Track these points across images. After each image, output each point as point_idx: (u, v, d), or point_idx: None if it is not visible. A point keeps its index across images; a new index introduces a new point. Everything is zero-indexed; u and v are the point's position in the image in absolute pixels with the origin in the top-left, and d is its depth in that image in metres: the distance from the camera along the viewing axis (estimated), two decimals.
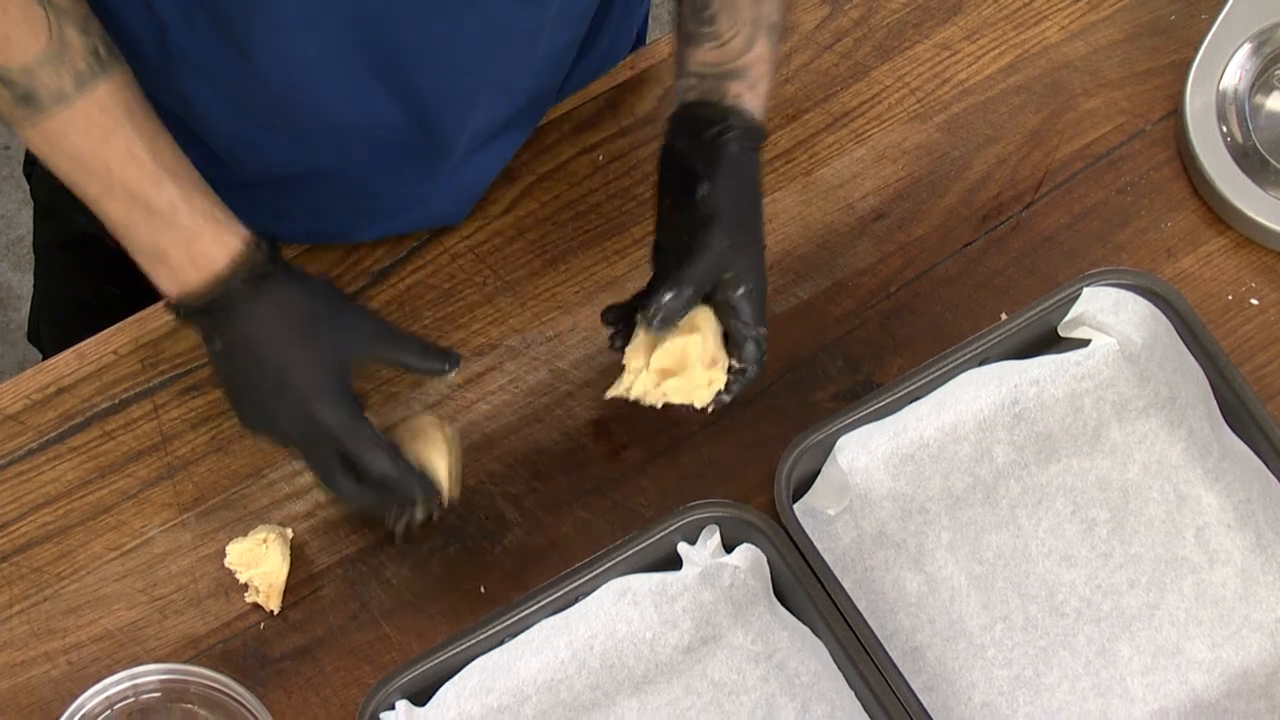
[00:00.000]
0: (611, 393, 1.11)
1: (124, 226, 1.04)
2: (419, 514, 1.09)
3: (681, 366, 1.10)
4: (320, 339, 1.06)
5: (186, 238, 1.04)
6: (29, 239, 1.98)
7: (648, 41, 1.34)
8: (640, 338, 1.10)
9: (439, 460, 1.09)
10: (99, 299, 1.29)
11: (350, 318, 1.09)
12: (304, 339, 1.05)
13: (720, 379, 1.10)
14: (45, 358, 1.23)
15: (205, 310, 1.05)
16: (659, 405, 1.11)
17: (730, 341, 1.10)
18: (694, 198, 1.09)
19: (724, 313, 1.10)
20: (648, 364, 1.09)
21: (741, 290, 1.09)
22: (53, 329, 1.39)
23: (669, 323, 1.08)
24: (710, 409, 1.11)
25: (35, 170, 1.33)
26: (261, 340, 1.05)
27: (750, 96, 1.11)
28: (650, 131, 1.26)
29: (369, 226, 1.22)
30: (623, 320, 1.13)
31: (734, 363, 1.10)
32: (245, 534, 1.15)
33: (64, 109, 1.01)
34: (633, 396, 1.10)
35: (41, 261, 1.39)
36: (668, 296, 1.07)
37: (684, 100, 1.12)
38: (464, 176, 1.20)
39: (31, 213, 1.39)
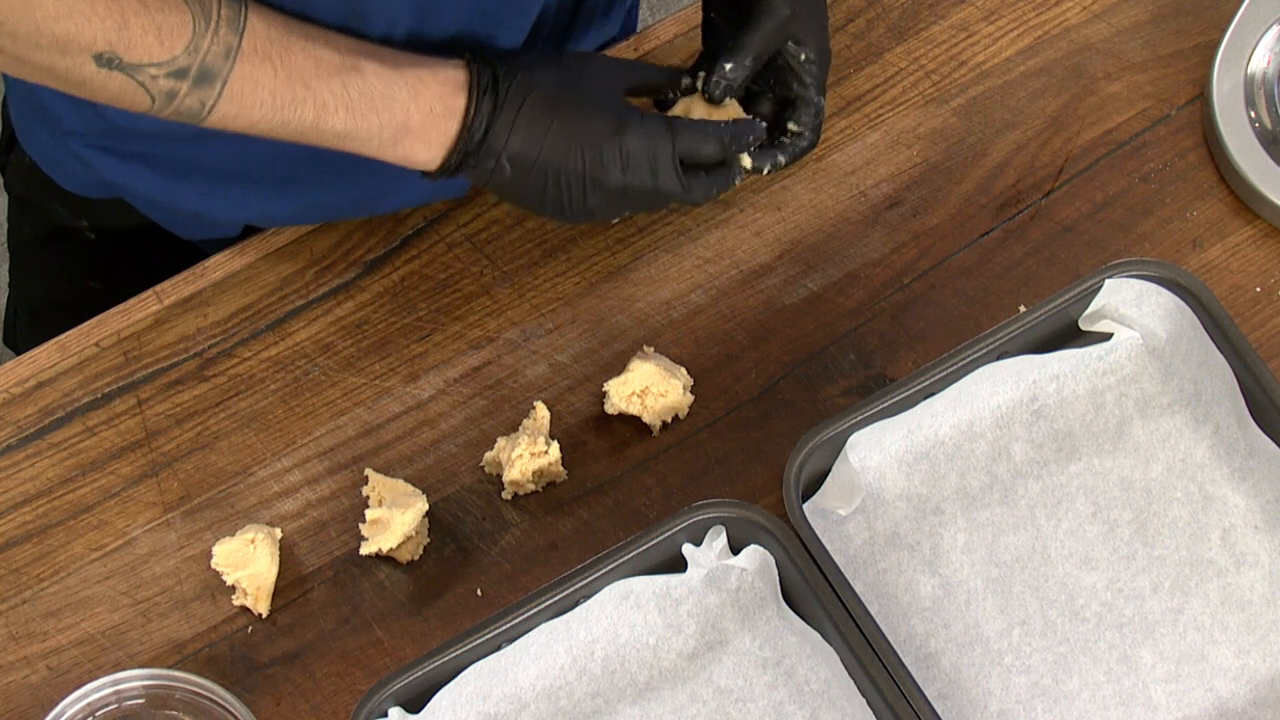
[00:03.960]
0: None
1: (354, 132, 1.05)
2: (745, 163, 1.12)
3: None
4: (589, 89, 1.08)
5: (415, 97, 1.05)
6: (2, 234, 1.96)
7: (638, 27, 1.34)
8: (683, 106, 1.13)
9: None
10: (77, 294, 1.29)
11: (593, 62, 1.11)
12: (576, 97, 1.07)
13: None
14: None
15: (474, 148, 1.06)
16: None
17: (790, 106, 1.13)
18: None
19: (785, 76, 1.12)
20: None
21: (804, 56, 1.11)
22: (30, 327, 1.39)
23: (729, 94, 1.11)
24: (766, 170, 1.13)
25: (9, 161, 1.32)
26: (544, 125, 1.06)
27: None
28: None
29: (391, 191, 1.20)
30: (662, 99, 1.15)
31: (792, 126, 1.13)
32: (233, 534, 1.15)
33: (239, 62, 1.01)
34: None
35: (16, 257, 1.38)
36: (729, 66, 1.10)
37: None
38: None
39: (5, 207, 1.37)
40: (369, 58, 1.05)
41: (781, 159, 1.13)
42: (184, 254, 1.23)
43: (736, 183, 1.12)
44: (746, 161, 1.12)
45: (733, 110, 1.13)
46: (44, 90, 1.09)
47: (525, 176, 1.08)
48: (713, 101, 1.11)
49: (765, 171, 1.14)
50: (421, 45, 1.08)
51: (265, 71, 1.02)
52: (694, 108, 1.13)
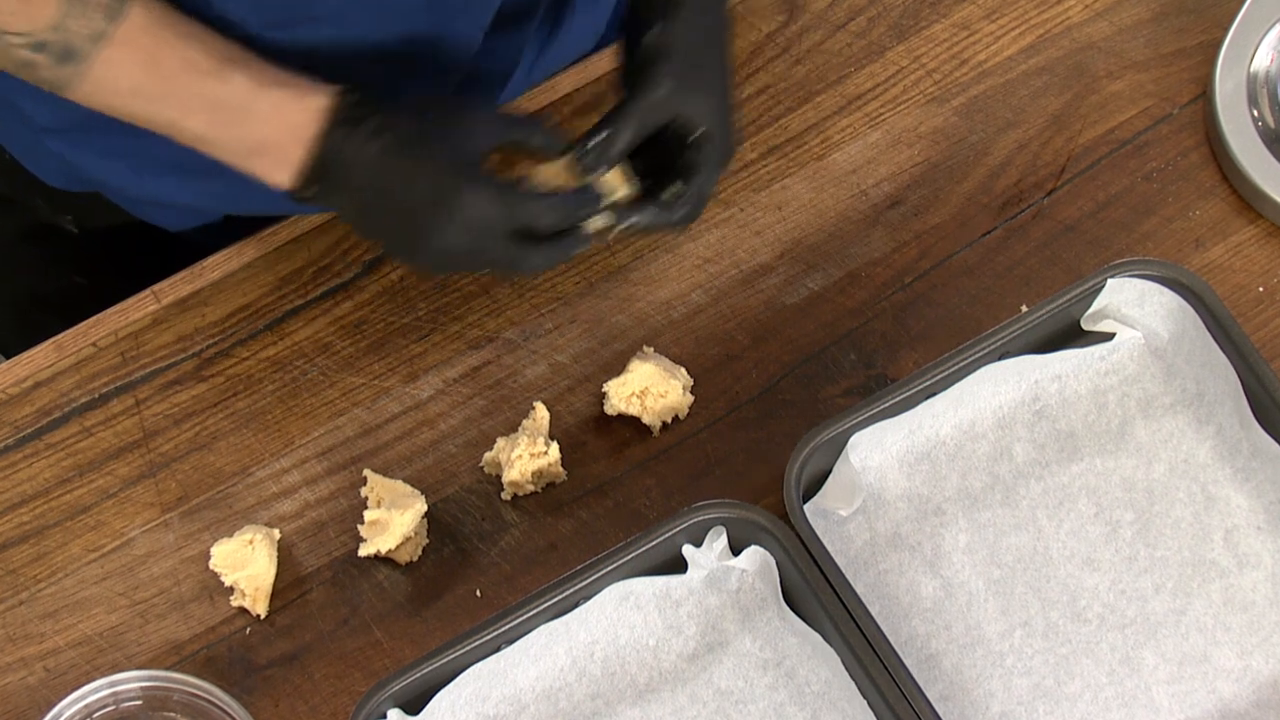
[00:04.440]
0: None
1: (211, 139, 1.04)
2: (598, 224, 1.08)
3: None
4: (443, 144, 1.05)
5: (273, 116, 1.03)
6: None
7: None
8: (556, 168, 1.09)
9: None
10: (63, 291, 1.28)
11: (464, 115, 1.08)
12: (426, 151, 1.04)
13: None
14: (6, 356, 1.22)
15: (322, 176, 1.04)
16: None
17: (677, 173, 1.09)
18: (643, 37, 1.08)
19: (676, 146, 1.08)
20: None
21: (693, 136, 1.08)
22: (14, 324, 1.38)
23: (599, 164, 1.07)
24: (618, 229, 1.09)
25: None
26: (386, 173, 1.04)
27: None
28: None
29: None
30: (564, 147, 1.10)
31: (665, 195, 1.09)
32: (231, 534, 1.14)
33: (105, 47, 1.00)
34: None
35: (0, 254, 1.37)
36: (602, 135, 1.07)
37: None
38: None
39: None
40: (239, 68, 1.03)
41: (639, 220, 1.09)
42: (168, 247, 1.23)
43: (584, 248, 1.09)
44: (598, 223, 1.09)
45: (613, 176, 1.09)
46: (14, 88, 1.09)
47: (366, 218, 1.06)
48: (585, 172, 1.08)
49: (615, 231, 1.09)
50: (371, 41, 1.08)
51: (132, 63, 1.01)
52: (563, 173, 1.10)
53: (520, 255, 1.06)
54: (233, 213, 1.21)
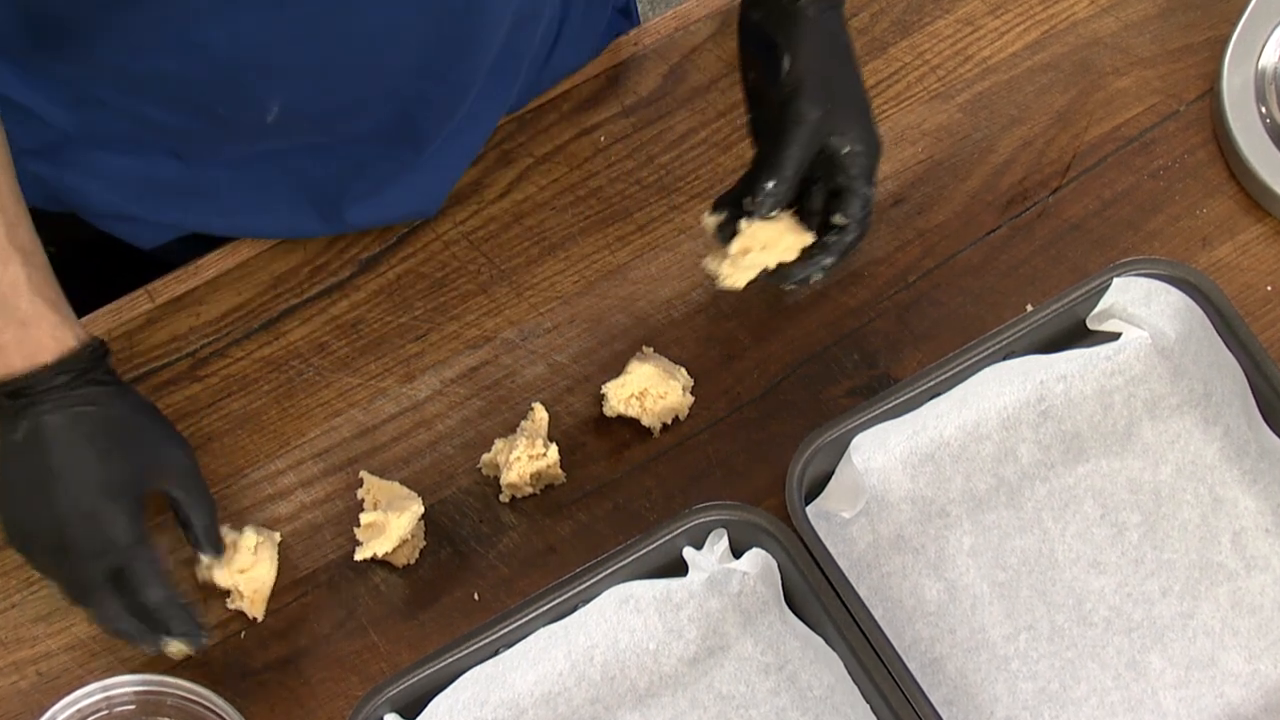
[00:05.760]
0: (724, 284, 1.13)
1: None
2: (174, 649, 1.07)
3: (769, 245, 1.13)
4: (126, 451, 1.06)
5: (21, 321, 1.04)
6: None
7: (641, 20, 1.34)
8: (745, 228, 1.11)
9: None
10: None
11: (162, 445, 1.09)
12: (108, 445, 1.05)
13: (808, 238, 1.12)
14: None
15: (16, 394, 1.04)
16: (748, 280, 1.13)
17: (835, 198, 1.12)
18: (779, 74, 1.10)
19: (830, 169, 1.11)
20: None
21: (847, 149, 1.10)
22: None
23: (774, 209, 1.10)
24: (816, 279, 1.13)
25: None
26: (62, 437, 1.04)
27: None
28: (654, 112, 1.26)
29: (350, 209, 1.20)
30: (731, 209, 1.13)
31: (837, 219, 1.11)
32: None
33: None
34: (732, 285, 1.13)
35: None
36: (770, 185, 1.09)
37: None
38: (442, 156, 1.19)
39: None
40: (25, 263, 1.03)
41: (828, 260, 1.12)
42: (144, 268, 1.23)
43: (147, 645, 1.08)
44: (171, 648, 1.07)
45: (785, 223, 1.11)
46: None
47: (6, 461, 1.05)
48: (764, 219, 1.10)
49: (814, 281, 1.12)
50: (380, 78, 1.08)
51: None
52: (753, 230, 1.11)
53: (105, 599, 1.05)
54: (203, 232, 1.21)
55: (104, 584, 1.05)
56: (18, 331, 1.04)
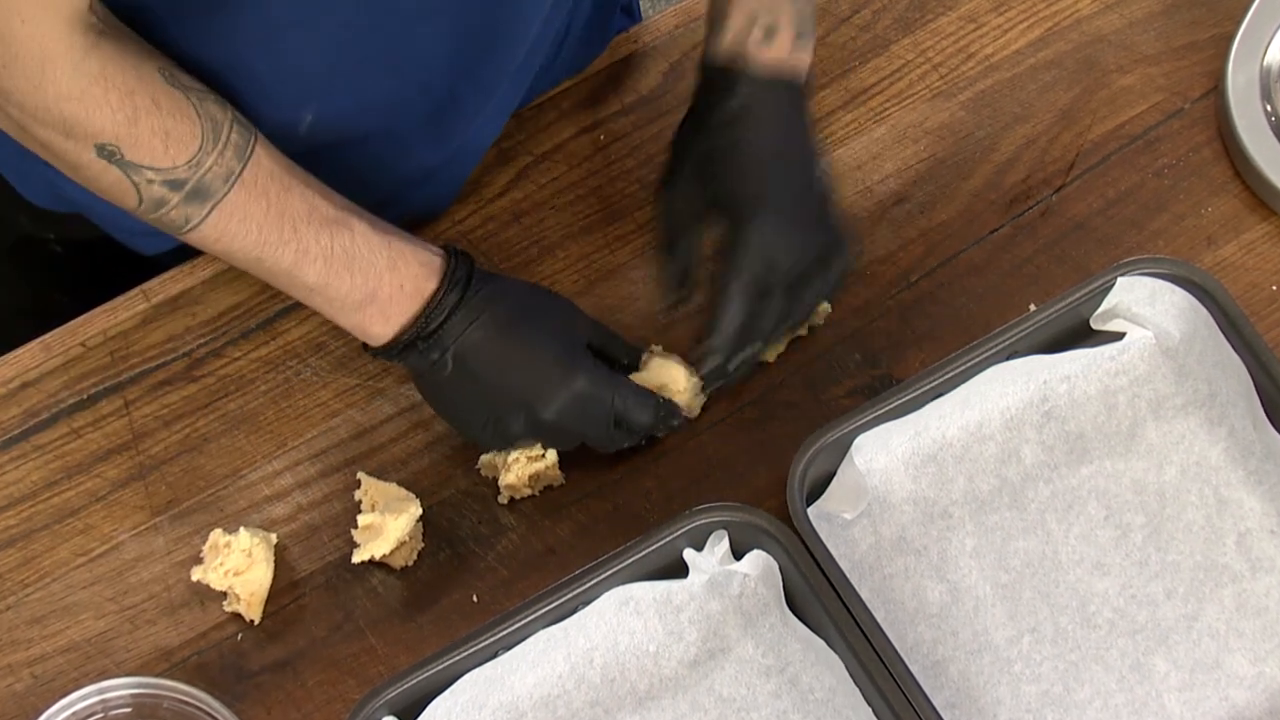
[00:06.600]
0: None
1: (325, 287, 1.05)
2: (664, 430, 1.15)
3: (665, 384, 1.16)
4: (551, 320, 1.10)
5: (390, 268, 1.06)
6: None
7: (643, 16, 1.34)
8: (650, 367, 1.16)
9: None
10: (42, 305, 1.27)
11: (563, 302, 1.13)
12: (538, 323, 1.09)
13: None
14: None
15: (426, 335, 1.07)
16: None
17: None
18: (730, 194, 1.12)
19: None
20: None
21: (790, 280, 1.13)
22: None
23: (720, 382, 1.15)
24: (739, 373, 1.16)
25: None
26: (497, 339, 1.07)
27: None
28: (654, 110, 1.26)
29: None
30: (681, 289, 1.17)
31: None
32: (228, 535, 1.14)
33: (236, 188, 1.02)
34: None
35: None
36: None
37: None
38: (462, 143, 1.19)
39: None
40: (360, 218, 1.06)
41: (749, 354, 1.15)
42: (150, 266, 1.23)
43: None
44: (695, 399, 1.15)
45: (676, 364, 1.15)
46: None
47: (461, 380, 1.08)
48: (707, 387, 1.15)
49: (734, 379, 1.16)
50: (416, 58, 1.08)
51: (259, 205, 1.02)
52: (652, 364, 1.15)
53: (611, 438, 1.11)
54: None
55: (607, 431, 1.11)
56: (393, 278, 1.06)
